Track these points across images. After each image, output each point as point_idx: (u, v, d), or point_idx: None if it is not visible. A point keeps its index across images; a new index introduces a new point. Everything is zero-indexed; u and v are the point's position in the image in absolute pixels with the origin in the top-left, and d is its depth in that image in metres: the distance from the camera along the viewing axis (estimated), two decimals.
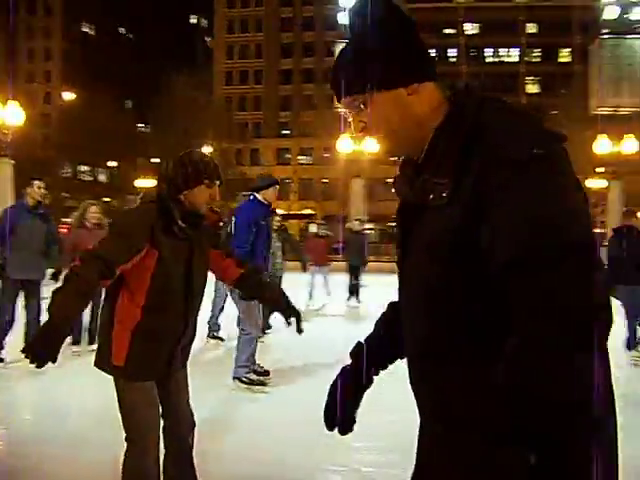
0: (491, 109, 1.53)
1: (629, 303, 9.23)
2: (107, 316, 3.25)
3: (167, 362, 3.29)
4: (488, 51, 75.70)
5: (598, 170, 41.08)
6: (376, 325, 1.96)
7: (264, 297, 3.78)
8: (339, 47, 39.77)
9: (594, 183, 44.65)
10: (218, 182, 3.27)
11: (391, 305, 1.92)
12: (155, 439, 3.26)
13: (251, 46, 77.01)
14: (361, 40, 1.60)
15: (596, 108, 38.69)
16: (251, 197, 7.29)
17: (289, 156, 74.07)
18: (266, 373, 7.42)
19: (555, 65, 73.27)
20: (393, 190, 1.70)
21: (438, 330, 1.53)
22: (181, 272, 3.22)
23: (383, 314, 1.96)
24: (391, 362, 1.93)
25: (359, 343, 1.92)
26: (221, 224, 8.99)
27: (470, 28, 74.92)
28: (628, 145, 37.71)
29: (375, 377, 1.91)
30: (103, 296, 3.34)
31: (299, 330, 3.52)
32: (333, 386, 1.86)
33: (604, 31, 39.09)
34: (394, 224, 1.76)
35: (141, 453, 3.21)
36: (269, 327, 10.19)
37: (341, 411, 1.82)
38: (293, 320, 3.52)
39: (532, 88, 74.08)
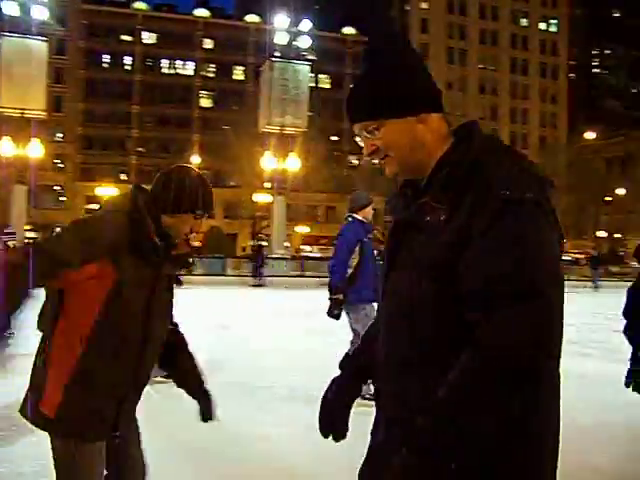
0: (491, 148, 1.70)
1: None
2: (42, 355, 2.62)
3: (111, 423, 2.65)
4: (164, 62, 76.21)
5: (266, 185, 43.40)
6: (363, 341, 2.08)
7: (180, 367, 2.97)
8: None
9: (261, 197, 47.01)
10: (207, 215, 2.75)
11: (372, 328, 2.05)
12: None
13: None
14: (376, 72, 1.78)
15: (265, 126, 40.85)
16: (349, 218, 7.07)
17: None
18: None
19: (229, 82, 76.01)
20: (387, 206, 1.87)
21: (411, 340, 1.68)
22: (141, 306, 2.61)
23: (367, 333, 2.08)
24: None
25: (347, 355, 2.09)
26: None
27: (148, 37, 74.80)
28: (291, 162, 40.35)
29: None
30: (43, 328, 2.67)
31: (205, 419, 2.89)
32: (325, 397, 2.00)
33: (275, 54, 41.45)
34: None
35: None
36: None
37: (335, 420, 1.97)
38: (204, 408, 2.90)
39: (206, 102, 76.07)
